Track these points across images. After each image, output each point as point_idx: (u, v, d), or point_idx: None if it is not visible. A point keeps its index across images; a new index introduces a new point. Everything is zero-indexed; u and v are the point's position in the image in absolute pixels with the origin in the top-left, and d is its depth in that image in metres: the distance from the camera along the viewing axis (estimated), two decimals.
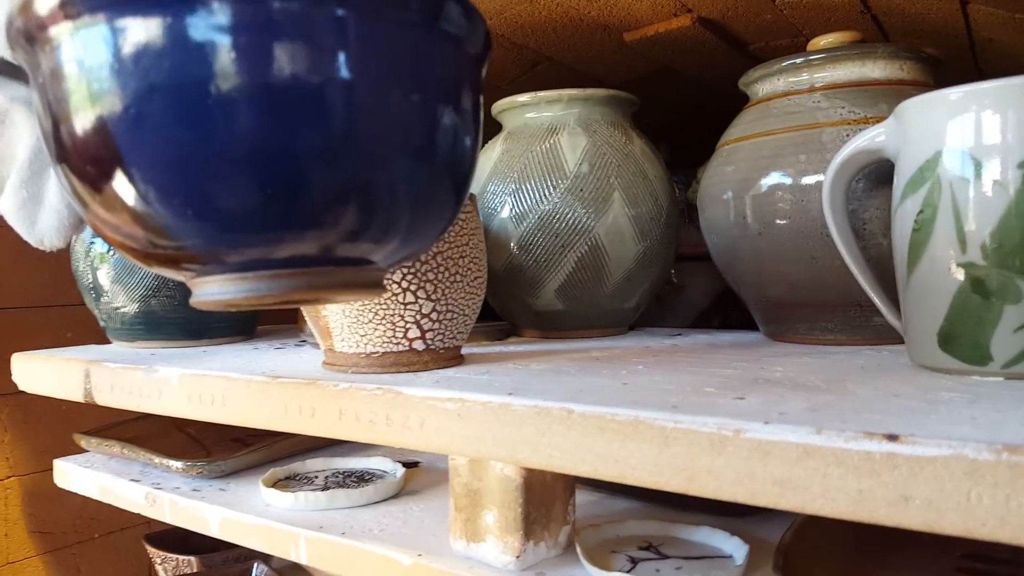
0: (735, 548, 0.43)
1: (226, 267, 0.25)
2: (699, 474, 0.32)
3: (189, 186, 0.22)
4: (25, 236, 0.44)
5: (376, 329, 0.47)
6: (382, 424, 0.44)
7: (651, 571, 0.40)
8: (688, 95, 1.03)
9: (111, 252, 0.65)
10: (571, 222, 0.61)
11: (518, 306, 0.66)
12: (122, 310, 0.66)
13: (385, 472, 0.61)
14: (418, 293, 0.47)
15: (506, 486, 0.43)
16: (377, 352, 0.48)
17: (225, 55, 0.21)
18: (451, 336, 0.49)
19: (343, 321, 0.48)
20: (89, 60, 0.22)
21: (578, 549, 0.42)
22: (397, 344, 0.47)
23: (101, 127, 0.22)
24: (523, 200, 0.62)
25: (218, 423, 0.74)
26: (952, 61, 0.85)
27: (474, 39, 0.29)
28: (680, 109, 1.09)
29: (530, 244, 0.62)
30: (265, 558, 0.71)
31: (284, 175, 0.22)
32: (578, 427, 0.36)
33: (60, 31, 0.23)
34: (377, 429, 0.44)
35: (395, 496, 0.57)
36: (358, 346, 0.48)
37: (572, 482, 0.46)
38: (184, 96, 0.21)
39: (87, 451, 0.72)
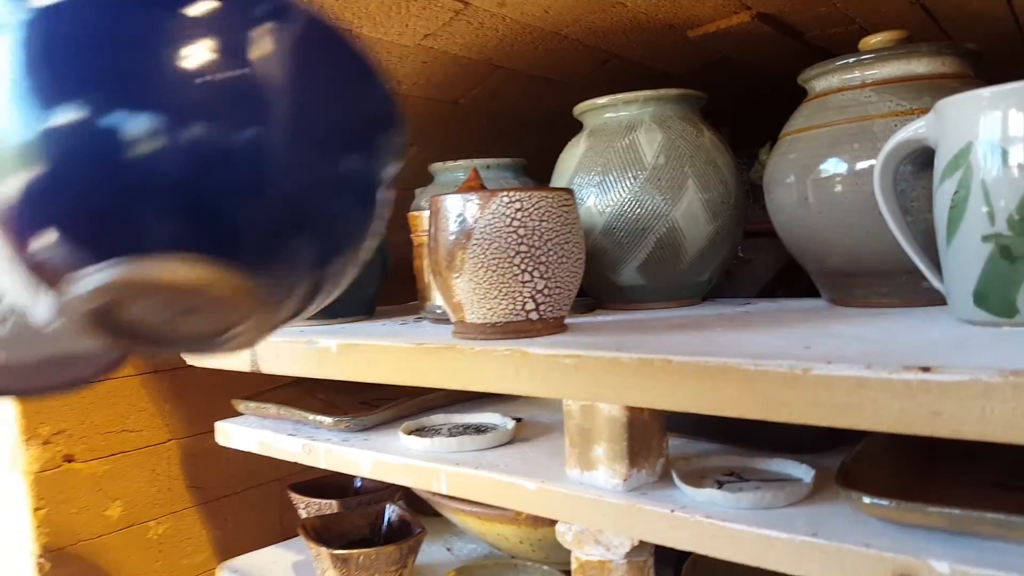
0: (804, 473, 0.52)
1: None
2: (776, 404, 0.42)
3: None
4: None
5: (500, 303, 0.58)
6: (512, 378, 0.54)
7: (735, 490, 0.50)
8: (745, 81, 1.10)
9: None
10: (650, 208, 0.71)
11: (602, 283, 0.76)
12: None
13: (497, 424, 0.72)
14: (533, 273, 0.57)
15: (613, 425, 0.53)
16: (500, 322, 0.58)
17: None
18: (559, 308, 0.60)
19: (472, 297, 0.58)
20: None
21: (673, 474, 0.52)
22: (516, 315, 0.58)
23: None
24: (607, 190, 0.72)
25: (346, 389, 0.86)
26: (1000, 43, 0.91)
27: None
28: (737, 94, 1.17)
29: (613, 229, 0.72)
30: (394, 499, 0.84)
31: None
32: (676, 373, 0.46)
33: None
34: (507, 382, 0.55)
35: (509, 443, 0.68)
36: (485, 317, 0.59)
37: (665, 422, 0.56)
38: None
39: (242, 415, 0.85)
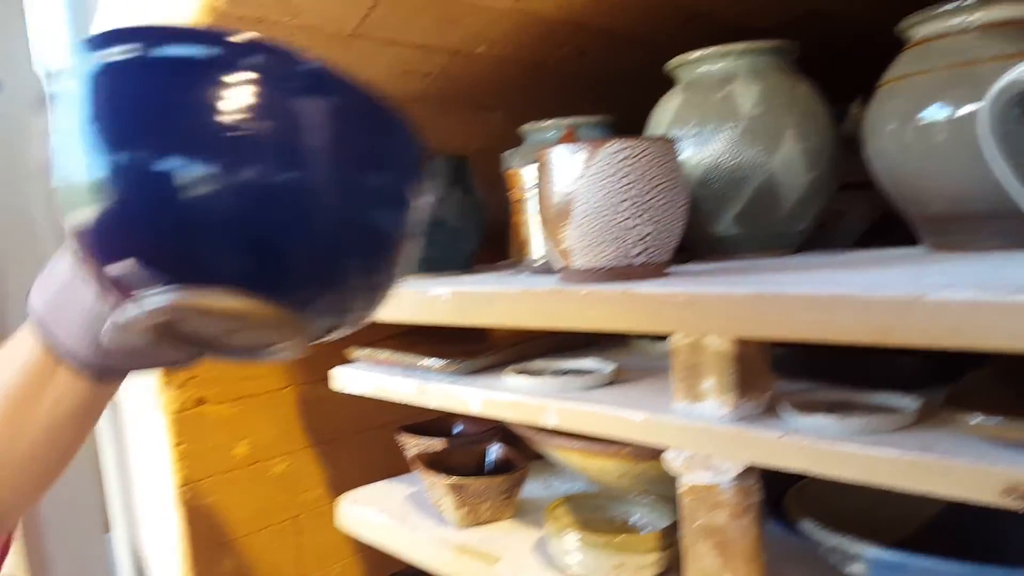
0: (910, 403, 0.54)
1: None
2: (891, 330, 0.44)
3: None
4: None
5: (608, 249, 0.61)
6: (622, 316, 0.58)
7: (844, 417, 0.52)
8: (831, 35, 1.09)
9: None
10: (748, 158, 0.73)
11: (698, 234, 0.79)
12: None
13: (596, 368, 0.76)
14: (641, 218, 0.60)
15: (721, 359, 0.56)
16: (607, 267, 0.62)
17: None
18: (663, 253, 0.63)
19: (580, 244, 0.62)
20: None
21: (780, 406, 0.56)
22: (623, 260, 0.62)
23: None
24: (704, 142, 0.74)
25: (450, 340, 0.91)
26: None
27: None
28: (823, 49, 1.16)
29: (711, 179, 0.74)
30: (499, 438, 0.89)
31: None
32: (789, 304, 0.49)
33: None
34: (617, 321, 0.59)
35: (610, 384, 0.72)
36: (592, 263, 0.62)
37: (770, 357, 0.59)
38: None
39: (355, 361, 0.92)
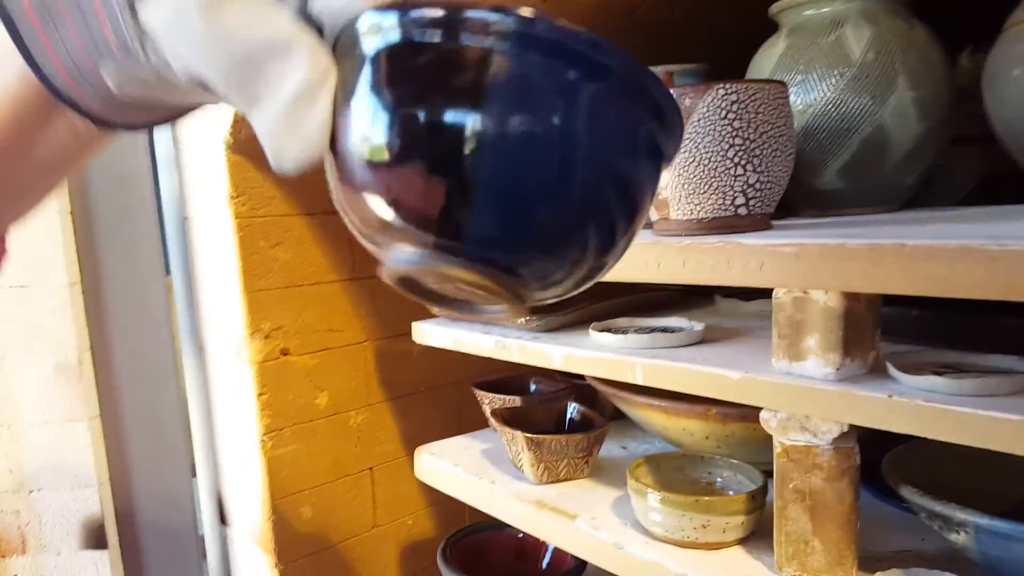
0: None
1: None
2: (1020, 283, 0.41)
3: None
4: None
5: (709, 198, 0.59)
6: (723, 268, 0.56)
7: (956, 378, 0.49)
8: None
9: None
10: (856, 107, 0.68)
11: (799, 187, 0.75)
12: None
13: (684, 327, 0.74)
14: (747, 166, 0.57)
15: (828, 315, 0.53)
16: (707, 217, 0.59)
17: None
18: (768, 204, 0.60)
19: (681, 192, 0.59)
20: None
21: (888, 365, 0.52)
22: (725, 210, 0.59)
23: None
24: (809, 90, 0.70)
25: None
26: None
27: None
28: None
29: (815, 129, 0.70)
30: (574, 397, 0.88)
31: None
32: (909, 256, 0.46)
33: None
34: (719, 273, 0.56)
35: (699, 343, 0.70)
36: (691, 213, 0.60)
37: (879, 315, 0.56)
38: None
39: (435, 316, 0.91)
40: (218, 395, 1.02)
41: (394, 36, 0.23)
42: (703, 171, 0.58)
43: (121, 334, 1.07)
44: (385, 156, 0.23)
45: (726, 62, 0.81)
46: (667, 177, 0.60)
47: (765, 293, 0.57)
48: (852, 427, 0.54)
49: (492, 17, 0.21)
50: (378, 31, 0.23)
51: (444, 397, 1.10)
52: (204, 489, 1.08)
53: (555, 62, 0.22)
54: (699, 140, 0.57)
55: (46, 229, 0.99)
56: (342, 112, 0.24)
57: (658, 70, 0.84)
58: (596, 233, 0.24)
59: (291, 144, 0.24)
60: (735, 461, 0.70)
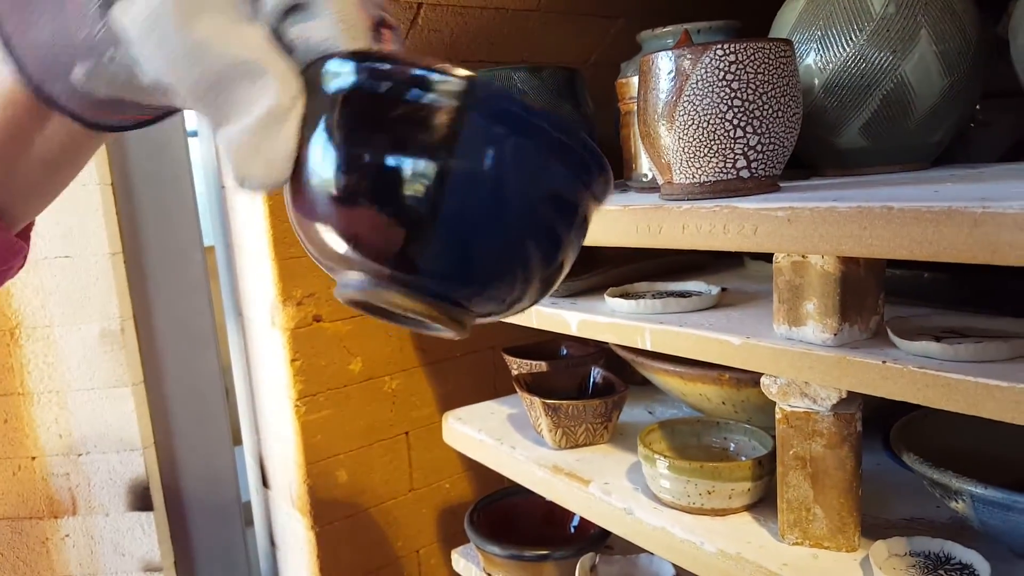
0: None
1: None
2: (1003, 247, 0.39)
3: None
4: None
5: (710, 161, 0.58)
6: (719, 233, 0.55)
7: (953, 343, 0.48)
8: None
9: None
10: (876, 62, 0.66)
11: (820, 147, 0.73)
12: None
13: (702, 291, 0.74)
14: (746, 128, 0.56)
15: (826, 279, 0.52)
16: (709, 181, 0.59)
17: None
18: (771, 166, 0.59)
19: (681, 156, 0.59)
20: None
21: (888, 330, 0.51)
22: (727, 173, 0.58)
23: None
24: (829, 46, 0.68)
25: None
26: None
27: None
28: None
29: (835, 86, 0.68)
30: (602, 363, 0.89)
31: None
32: (897, 220, 0.44)
33: None
34: (715, 238, 0.56)
35: (714, 307, 0.69)
36: (693, 176, 0.59)
37: (882, 278, 0.54)
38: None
39: None
40: (257, 362, 1.07)
41: (352, 81, 0.25)
42: (702, 134, 0.57)
43: (162, 302, 1.12)
44: (344, 194, 0.25)
45: (757, 19, 0.79)
46: (669, 139, 0.59)
47: None
48: (852, 393, 0.53)
49: (440, 77, 0.24)
50: (339, 75, 0.25)
51: (480, 362, 1.12)
52: (249, 452, 1.14)
53: (492, 121, 0.24)
54: (697, 103, 0.57)
55: (87, 201, 1.04)
56: (305, 143, 0.25)
57: (677, 29, 0.83)
58: (536, 261, 0.27)
59: (255, 167, 0.24)
60: (750, 427, 0.70)
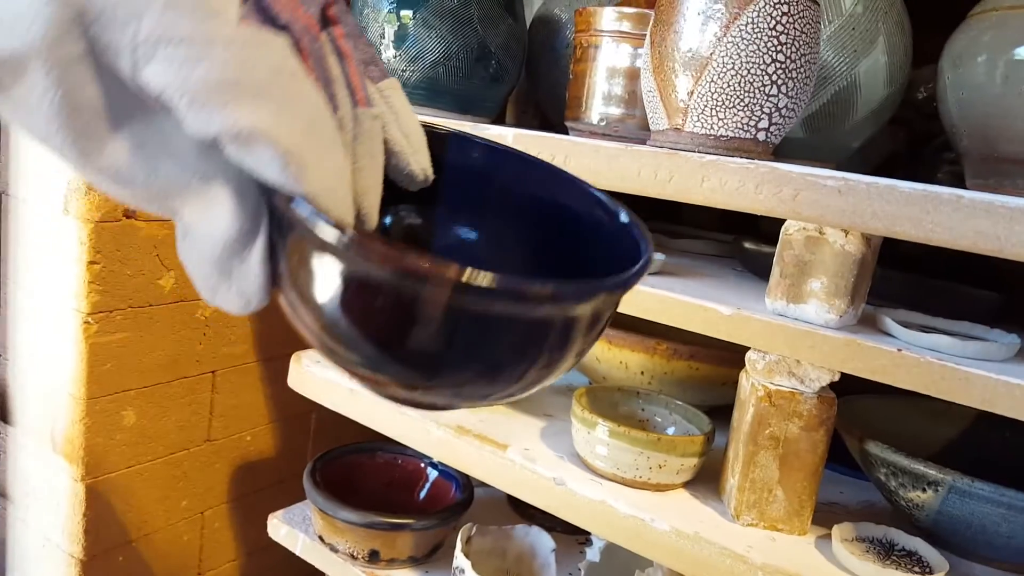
0: (1000, 336, 0.53)
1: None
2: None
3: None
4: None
5: (736, 115, 0.54)
6: (750, 192, 0.51)
7: (959, 339, 0.50)
8: None
9: (401, 13, 0.68)
10: (837, 59, 0.67)
11: None
12: (406, 74, 0.70)
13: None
14: (781, 87, 0.53)
15: (843, 260, 0.51)
16: (726, 136, 0.54)
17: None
18: (780, 135, 0.56)
19: (707, 103, 0.54)
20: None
21: (886, 319, 0.52)
22: (747, 131, 0.54)
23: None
24: None
25: None
26: None
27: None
28: None
29: None
30: None
31: None
32: (966, 210, 0.44)
33: None
34: (743, 196, 0.52)
35: (658, 273, 0.65)
36: (712, 128, 0.54)
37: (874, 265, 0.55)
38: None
39: None
40: (23, 255, 0.80)
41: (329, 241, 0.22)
42: (739, 82, 0.52)
43: None
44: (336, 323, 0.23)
45: None
46: (694, 82, 0.54)
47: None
48: (843, 376, 0.53)
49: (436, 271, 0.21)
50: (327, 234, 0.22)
51: None
52: None
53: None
54: (742, 47, 0.52)
55: None
56: (280, 262, 0.23)
57: None
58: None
59: (229, 298, 0.22)
60: (672, 400, 0.67)
